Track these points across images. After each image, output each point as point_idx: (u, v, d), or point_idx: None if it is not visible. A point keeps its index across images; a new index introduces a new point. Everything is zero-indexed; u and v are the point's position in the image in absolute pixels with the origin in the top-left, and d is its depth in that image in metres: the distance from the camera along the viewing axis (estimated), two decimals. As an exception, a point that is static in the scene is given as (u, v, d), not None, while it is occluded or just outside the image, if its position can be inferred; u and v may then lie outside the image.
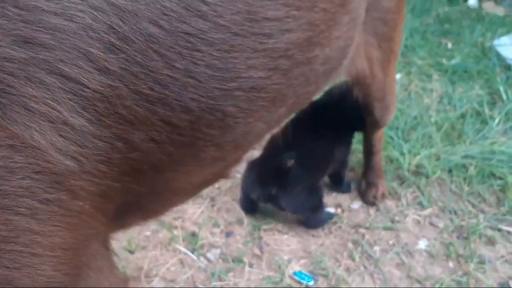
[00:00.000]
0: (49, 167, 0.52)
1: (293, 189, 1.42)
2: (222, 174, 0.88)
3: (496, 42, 2.68)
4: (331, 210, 1.61)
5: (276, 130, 1.01)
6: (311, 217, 1.51)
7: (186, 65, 0.60)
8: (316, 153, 1.54)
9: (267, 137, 1.46)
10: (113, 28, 0.54)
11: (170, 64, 0.58)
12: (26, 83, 0.50)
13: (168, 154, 0.64)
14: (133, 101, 0.57)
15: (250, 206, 1.55)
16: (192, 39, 0.59)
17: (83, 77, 0.53)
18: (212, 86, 0.63)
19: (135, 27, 0.55)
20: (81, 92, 0.53)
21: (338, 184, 1.68)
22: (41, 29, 0.50)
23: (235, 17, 0.63)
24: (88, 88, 0.53)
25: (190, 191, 0.86)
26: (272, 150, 1.53)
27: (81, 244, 0.60)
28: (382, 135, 1.66)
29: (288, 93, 0.76)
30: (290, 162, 1.43)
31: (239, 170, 1.76)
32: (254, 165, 1.51)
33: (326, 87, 1.20)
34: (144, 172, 0.65)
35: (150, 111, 0.59)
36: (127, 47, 0.55)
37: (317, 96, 1.16)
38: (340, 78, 1.18)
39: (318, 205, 1.50)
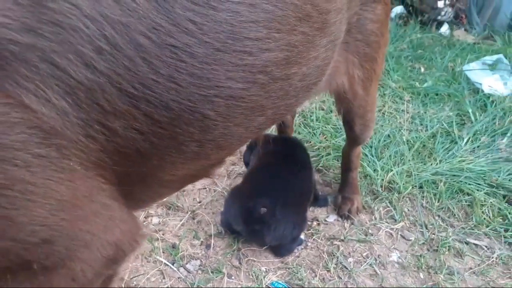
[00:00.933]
0: (39, 123, 0.61)
1: (277, 226, 1.43)
2: (206, 172, 0.95)
3: (465, 67, 2.83)
4: (307, 223, 1.67)
5: (256, 136, 1.06)
6: (286, 246, 1.53)
7: (170, 72, 0.68)
8: (303, 183, 1.60)
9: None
10: (105, 35, 0.63)
11: (155, 70, 0.67)
12: (22, 64, 0.59)
13: (151, 143, 0.72)
14: (115, 96, 0.66)
15: (232, 228, 1.54)
16: (177, 51, 0.68)
17: (70, 68, 0.62)
18: (192, 91, 0.71)
19: (126, 37, 0.64)
20: (66, 80, 0.62)
21: (314, 202, 1.74)
22: (44, 21, 0.60)
23: (219, 35, 0.71)
24: (73, 78, 0.63)
25: (176, 184, 0.92)
26: (253, 187, 1.54)
27: (84, 198, 0.68)
28: (360, 152, 1.74)
29: (267, 104, 0.84)
30: (263, 211, 1.43)
31: (219, 184, 1.82)
32: (237, 195, 1.52)
33: (308, 100, 1.25)
34: (130, 156, 0.72)
35: (133, 106, 0.67)
36: (116, 52, 0.64)
37: (298, 108, 1.21)
38: (320, 91, 1.25)
39: (299, 235, 1.54)
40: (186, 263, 1.47)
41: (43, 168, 0.62)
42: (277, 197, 1.46)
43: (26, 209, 0.62)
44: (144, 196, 0.88)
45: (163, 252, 1.49)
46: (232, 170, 1.92)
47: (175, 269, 1.44)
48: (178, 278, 1.42)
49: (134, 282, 1.39)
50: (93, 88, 0.64)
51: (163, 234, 1.56)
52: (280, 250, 1.52)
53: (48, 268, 0.70)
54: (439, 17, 3.64)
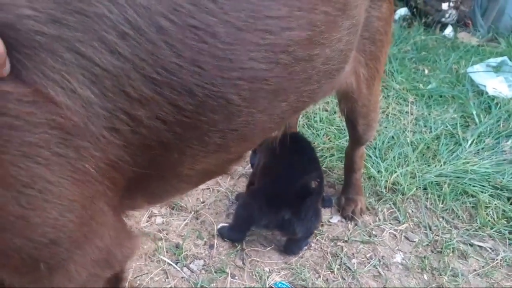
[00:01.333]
0: (61, 123, 0.62)
1: (306, 213, 1.43)
2: (225, 168, 0.94)
3: (469, 69, 2.82)
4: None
5: (277, 131, 1.04)
6: (299, 243, 1.53)
7: (192, 55, 0.68)
8: (318, 176, 1.61)
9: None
10: (128, 19, 0.63)
11: (177, 53, 0.66)
12: (48, 55, 0.60)
13: (175, 134, 0.72)
14: (140, 82, 0.65)
15: (240, 236, 1.53)
16: (199, 32, 0.67)
17: (96, 56, 0.62)
18: (216, 75, 0.70)
19: (148, 20, 0.64)
20: (91, 69, 0.62)
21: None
22: (69, 11, 0.60)
23: (240, 14, 0.71)
24: (98, 66, 0.63)
25: (194, 179, 0.91)
26: (277, 176, 1.55)
27: (87, 200, 0.69)
28: (363, 153, 1.74)
29: (290, 88, 0.83)
30: (314, 184, 1.46)
31: (223, 185, 1.82)
32: (258, 192, 1.52)
33: (329, 94, 1.21)
34: (153, 149, 0.72)
35: (157, 92, 0.67)
36: (139, 36, 0.64)
37: (320, 99, 1.17)
38: (336, 88, 1.22)
39: (317, 227, 1.55)
40: (190, 263, 1.47)
41: (60, 168, 0.63)
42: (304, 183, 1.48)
43: (41, 210, 0.64)
44: (161, 192, 0.88)
45: (166, 252, 1.49)
46: (235, 171, 1.92)
47: (178, 268, 1.44)
48: (182, 277, 1.42)
49: (138, 282, 1.39)
50: (118, 75, 0.64)
51: (166, 234, 1.56)
52: (292, 247, 1.52)
53: (51, 269, 0.71)
54: (443, 19, 3.64)
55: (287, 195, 1.45)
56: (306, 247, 1.56)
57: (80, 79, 0.62)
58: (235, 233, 1.54)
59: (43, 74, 0.60)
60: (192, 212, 1.66)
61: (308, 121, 2.24)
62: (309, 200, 1.45)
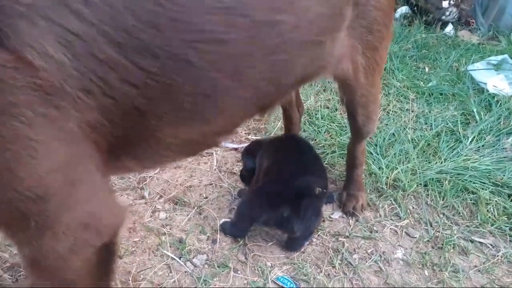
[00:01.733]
0: (41, 85, 0.67)
1: (306, 212, 1.44)
2: (210, 140, 0.99)
3: (470, 67, 2.83)
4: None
5: (256, 109, 1.02)
6: (299, 240, 1.53)
7: (150, 17, 0.72)
8: (323, 173, 1.64)
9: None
10: None
11: (136, 16, 0.71)
12: (26, 23, 0.65)
13: (148, 99, 0.76)
14: (106, 46, 0.70)
15: (242, 232, 1.55)
16: None
17: (64, 21, 0.68)
18: (173, 36, 0.74)
19: None
20: (63, 34, 0.68)
21: None
22: None
23: None
24: (69, 31, 0.68)
25: (181, 149, 0.95)
26: (278, 174, 1.58)
27: (74, 159, 0.73)
28: (364, 149, 1.75)
29: (256, 54, 0.85)
30: (318, 190, 1.47)
31: (226, 181, 1.83)
32: (260, 190, 1.54)
33: (317, 74, 1.19)
34: (129, 114, 0.77)
35: (122, 55, 0.72)
36: (100, 1, 0.69)
37: (306, 77, 1.14)
38: (326, 75, 1.26)
39: (319, 225, 1.56)
40: (193, 258, 1.48)
41: (45, 127, 0.68)
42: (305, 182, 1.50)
43: (26, 165, 0.68)
44: (149, 157, 0.91)
45: (170, 247, 1.50)
46: (237, 167, 1.93)
47: (182, 263, 1.45)
48: (185, 272, 1.43)
49: (141, 276, 1.40)
50: (87, 39, 0.69)
51: (170, 229, 1.57)
52: (293, 244, 1.53)
53: (40, 229, 0.74)
54: (443, 17, 3.64)
55: (287, 194, 1.46)
56: (307, 243, 1.57)
57: (54, 44, 0.67)
58: (237, 230, 1.55)
59: (22, 41, 0.65)
60: (195, 208, 1.67)
61: (310, 118, 2.25)
62: (308, 199, 1.46)
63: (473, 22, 3.73)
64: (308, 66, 1.03)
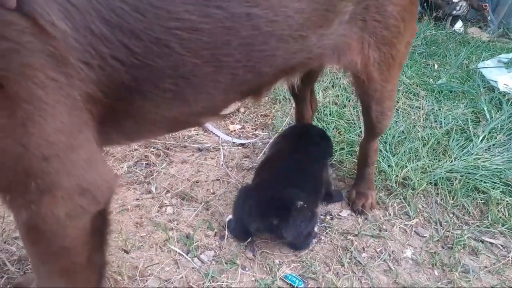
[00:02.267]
0: (54, 52, 0.72)
1: (295, 219, 1.41)
2: (194, 120, 1.05)
3: (480, 65, 2.80)
4: (321, 217, 1.66)
5: (238, 94, 1.07)
6: (304, 240, 1.51)
7: (135, 2, 0.77)
8: (314, 177, 1.61)
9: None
10: None
11: (123, 0, 0.76)
12: None
13: (132, 75, 0.82)
14: (99, 21, 0.75)
15: (243, 236, 1.51)
16: None
17: None
18: (155, 23, 0.79)
19: None
20: (66, 5, 0.72)
21: (329, 200, 1.73)
22: None
23: None
24: (69, 2, 0.72)
25: (165, 126, 1.02)
26: (267, 179, 1.56)
27: (76, 126, 0.79)
28: (377, 147, 1.72)
29: (232, 43, 0.89)
30: (300, 204, 1.43)
31: (233, 176, 1.81)
32: (249, 194, 1.51)
33: (309, 63, 1.18)
34: (118, 88, 0.82)
35: (112, 33, 0.76)
36: None
37: (294, 68, 1.16)
38: (327, 62, 1.24)
39: (313, 229, 1.53)
40: (200, 254, 1.46)
41: (55, 91, 0.74)
42: (294, 189, 1.47)
43: (37, 123, 0.73)
44: (135, 131, 0.98)
45: (177, 242, 1.49)
46: (244, 163, 1.92)
47: (189, 259, 1.44)
48: (192, 268, 1.42)
49: (149, 271, 1.38)
50: (83, 12, 0.73)
51: (177, 224, 1.56)
52: (297, 244, 1.50)
53: (41, 191, 0.78)
54: (454, 12, 3.61)
55: (275, 202, 1.44)
56: (315, 241, 1.56)
57: (57, 13, 0.71)
58: (239, 234, 1.52)
59: (33, 8, 0.69)
60: (202, 203, 1.66)
61: (318, 114, 2.23)
62: (296, 205, 1.43)
63: (486, 6, 3.65)
64: (290, 58, 1.05)
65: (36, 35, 0.70)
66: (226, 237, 1.53)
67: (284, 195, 1.46)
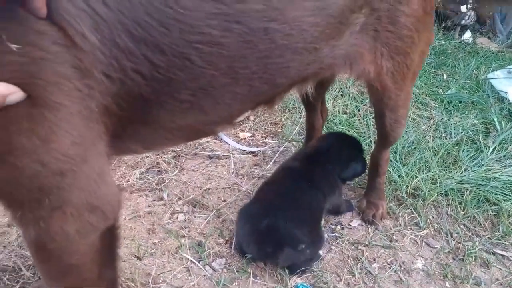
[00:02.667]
0: (79, 64, 0.73)
1: (291, 247, 1.40)
2: (210, 129, 1.08)
3: (490, 75, 2.80)
4: (331, 226, 1.66)
5: (253, 103, 1.10)
6: (299, 265, 1.46)
7: (160, 17, 0.78)
8: (309, 205, 1.53)
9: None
10: None
11: (149, 14, 0.77)
12: (68, 2, 0.71)
13: (152, 88, 0.83)
14: (124, 35, 0.76)
15: (249, 252, 1.48)
16: None
17: (96, 6, 0.73)
18: (179, 37, 0.81)
19: None
20: (94, 16, 0.73)
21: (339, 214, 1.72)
22: None
23: None
24: (98, 15, 0.73)
25: (181, 134, 1.03)
26: (263, 204, 1.51)
27: (91, 139, 0.79)
28: (388, 157, 1.72)
29: (250, 57, 0.92)
30: (301, 247, 1.40)
31: (243, 184, 1.82)
32: (246, 215, 1.49)
33: (319, 73, 1.19)
34: (134, 100, 0.83)
35: (136, 47, 0.78)
36: None
37: (306, 78, 1.17)
38: (338, 71, 1.25)
39: (314, 255, 1.49)
40: (212, 261, 1.47)
41: (78, 101, 0.74)
42: (288, 216, 1.44)
43: (59, 136, 0.73)
44: (151, 140, 0.99)
45: (189, 250, 1.50)
46: (254, 171, 1.93)
47: (201, 266, 1.45)
48: (204, 275, 1.42)
49: (161, 278, 1.39)
50: (110, 25, 0.74)
51: (189, 232, 1.57)
52: (293, 268, 1.46)
53: (52, 208, 0.78)
54: (463, 22, 3.63)
55: (271, 232, 1.42)
56: (326, 250, 1.55)
57: (88, 25, 0.72)
58: (242, 251, 1.50)
59: (64, 18, 0.70)
60: (214, 211, 1.67)
61: (328, 123, 2.24)
62: (290, 232, 1.41)
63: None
64: (304, 69, 1.08)
65: (65, 46, 0.71)
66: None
67: (280, 226, 1.42)
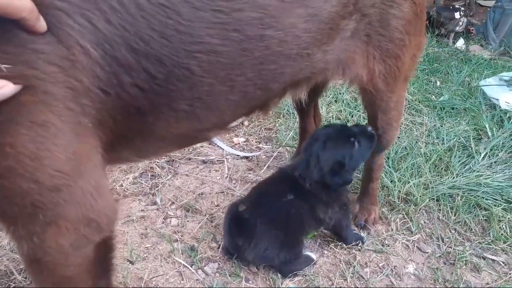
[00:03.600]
0: (75, 85, 0.74)
1: (257, 243, 1.40)
2: (201, 135, 1.07)
3: (482, 82, 2.83)
4: (324, 231, 1.67)
5: (246, 109, 1.11)
6: (282, 267, 1.47)
7: (161, 28, 0.79)
8: (283, 211, 1.45)
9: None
10: None
11: (150, 27, 0.78)
12: (70, 19, 0.72)
13: (149, 100, 0.84)
14: (125, 50, 0.77)
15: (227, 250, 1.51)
16: (166, 9, 0.80)
17: (98, 22, 0.74)
18: (179, 47, 0.82)
19: None
20: (97, 33, 0.74)
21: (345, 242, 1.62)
22: None
23: None
24: (100, 31, 0.74)
25: (174, 142, 1.04)
26: (246, 199, 1.51)
27: (86, 154, 0.79)
28: (382, 163, 1.73)
29: (246, 64, 0.94)
30: (242, 207, 1.42)
31: (237, 189, 1.83)
32: (230, 208, 1.50)
33: (311, 78, 1.20)
34: (130, 113, 0.84)
35: (136, 60, 0.78)
36: (122, 9, 0.75)
37: (298, 84, 1.16)
38: (331, 77, 1.27)
39: (291, 259, 1.46)
40: (204, 266, 1.48)
41: (68, 119, 0.74)
42: (261, 213, 1.43)
43: (52, 153, 0.73)
44: (145, 148, 1.00)
45: (181, 254, 1.50)
46: (248, 176, 1.94)
47: (193, 271, 1.45)
48: (196, 280, 1.43)
49: (153, 282, 1.40)
50: (112, 42, 0.75)
51: (181, 236, 1.57)
52: (279, 270, 1.47)
53: (46, 223, 0.77)
54: (457, 28, 3.68)
55: (245, 220, 1.42)
56: (318, 255, 1.56)
57: (91, 43, 0.73)
58: (225, 250, 1.51)
59: (69, 35, 0.71)
60: (207, 215, 1.68)
61: (322, 128, 2.25)
62: (260, 228, 1.40)
63: (472, 30, 3.77)
64: (297, 74, 1.10)
65: (60, 66, 0.72)
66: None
67: (255, 224, 1.41)
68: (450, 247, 1.65)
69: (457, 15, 3.72)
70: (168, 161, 1.96)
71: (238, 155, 2.09)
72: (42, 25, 0.67)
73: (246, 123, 2.36)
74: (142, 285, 1.37)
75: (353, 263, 1.54)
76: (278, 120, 2.37)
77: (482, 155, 2.12)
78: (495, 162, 2.09)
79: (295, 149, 2.10)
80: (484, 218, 1.78)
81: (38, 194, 0.74)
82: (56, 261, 0.82)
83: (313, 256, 1.54)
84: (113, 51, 0.76)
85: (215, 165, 2.00)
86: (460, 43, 3.71)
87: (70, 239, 0.81)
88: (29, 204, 0.75)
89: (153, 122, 0.90)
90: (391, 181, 1.89)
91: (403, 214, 1.77)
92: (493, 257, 1.63)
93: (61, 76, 0.71)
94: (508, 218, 1.76)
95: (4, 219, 0.79)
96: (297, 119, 2.30)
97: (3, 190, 0.73)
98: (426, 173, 1.96)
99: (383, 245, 1.64)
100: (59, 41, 0.70)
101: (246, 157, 2.08)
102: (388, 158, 2.03)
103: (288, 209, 1.45)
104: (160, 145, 1.02)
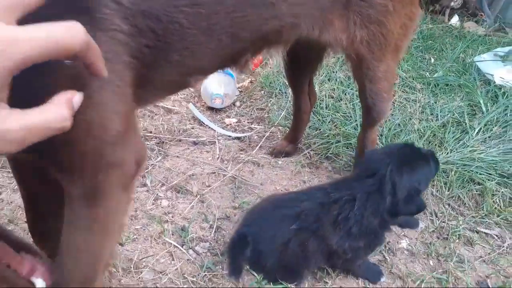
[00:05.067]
0: (125, 61, 0.84)
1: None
2: (185, 81, 1.13)
3: (476, 58, 2.80)
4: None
5: (219, 59, 1.15)
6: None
7: None
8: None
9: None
10: None
11: None
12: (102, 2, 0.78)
13: (153, 57, 0.92)
14: (139, 15, 0.83)
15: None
16: None
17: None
18: (170, 3, 0.90)
19: None
20: (123, 9, 0.81)
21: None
22: None
23: None
24: (124, 5, 0.81)
25: (166, 89, 1.14)
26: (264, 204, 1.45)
27: (128, 110, 0.88)
28: (375, 139, 1.70)
29: (220, 12, 1.01)
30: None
31: (228, 170, 1.81)
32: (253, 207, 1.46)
33: (276, 34, 1.19)
34: (140, 69, 0.91)
35: (146, 23, 0.86)
36: None
37: (266, 37, 1.18)
38: (301, 33, 1.25)
39: None
40: (195, 245, 1.46)
41: (120, 91, 0.83)
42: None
43: (112, 119, 0.82)
44: (144, 98, 1.06)
45: (172, 234, 1.49)
46: (240, 156, 1.92)
47: (184, 251, 1.44)
48: (187, 260, 1.41)
49: (143, 263, 1.38)
50: (133, 11, 0.82)
51: (172, 217, 1.56)
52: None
53: (104, 167, 0.85)
54: (452, 4, 3.63)
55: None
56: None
57: (121, 18, 0.80)
58: None
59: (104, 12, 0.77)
60: (198, 196, 1.66)
61: (314, 108, 2.22)
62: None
63: (481, 15, 3.70)
64: (263, 24, 1.14)
65: (111, 39, 0.80)
66: (220, 229, 1.53)
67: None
68: (443, 222, 1.64)
69: (452, -10, 3.67)
70: (158, 143, 1.93)
71: (230, 136, 2.06)
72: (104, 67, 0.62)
73: (238, 103, 2.33)
74: (132, 266, 1.36)
75: (345, 239, 1.53)
76: (270, 100, 2.34)
77: (476, 130, 2.10)
78: (489, 137, 2.07)
79: (287, 129, 2.07)
80: (478, 192, 1.77)
81: (102, 148, 0.83)
82: (112, 198, 0.89)
83: None
84: (135, 21, 0.83)
85: (206, 146, 1.98)
86: (455, 20, 3.67)
87: (125, 180, 0.90)
88: (96, 156, 0.83)
89: (152, 75, 0.97)
90: (384, 158, 1.87)
91: (396, 191, 1.75)
92: (487, 231, 1.62)
93: (120, 51, 0.81)
94: (502, 192, 1.74)
95: (72, 170, 0.84)
96: (290, 99, 2.28)
97: (79, 148, 0.80)
98: (419, 149, 1.94)
99: (376, 222, 1.62)
100: (102, 28, 0.77)
101: (238, 138, 2.06)
102: (381, 136, 2.01)
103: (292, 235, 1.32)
104: (155, 93, 1.10)
